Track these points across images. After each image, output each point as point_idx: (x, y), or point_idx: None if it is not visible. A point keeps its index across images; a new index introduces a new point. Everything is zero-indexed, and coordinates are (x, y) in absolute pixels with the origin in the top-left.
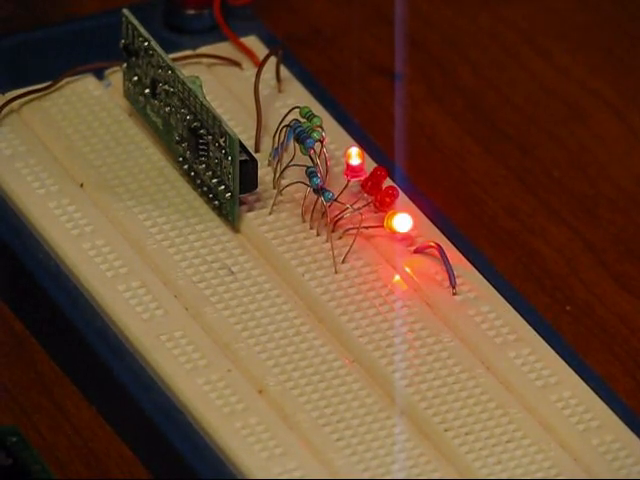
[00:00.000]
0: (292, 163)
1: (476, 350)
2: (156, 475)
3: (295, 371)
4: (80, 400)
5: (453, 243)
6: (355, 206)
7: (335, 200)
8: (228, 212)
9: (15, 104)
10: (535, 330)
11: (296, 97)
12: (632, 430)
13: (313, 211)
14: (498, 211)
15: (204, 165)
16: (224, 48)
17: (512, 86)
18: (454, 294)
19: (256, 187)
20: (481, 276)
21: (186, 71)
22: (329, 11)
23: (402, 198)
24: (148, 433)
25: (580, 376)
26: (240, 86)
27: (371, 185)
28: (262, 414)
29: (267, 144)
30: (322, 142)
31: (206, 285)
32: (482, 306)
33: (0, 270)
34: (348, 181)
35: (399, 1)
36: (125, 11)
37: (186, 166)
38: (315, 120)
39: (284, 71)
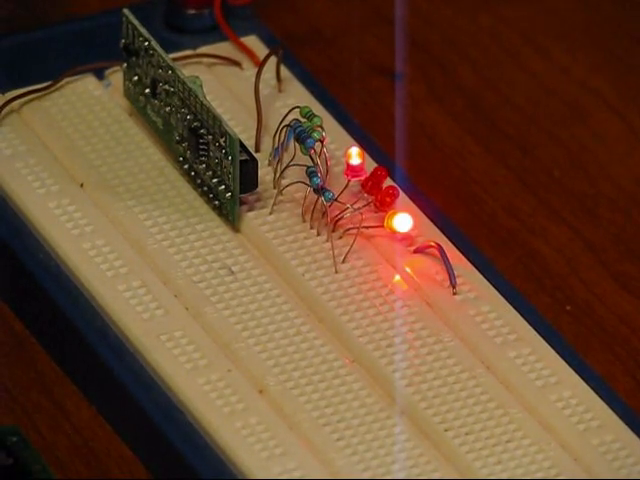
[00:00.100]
0: (292, 163)
1: (476, 350)
2: (156, 475)
3: (295, 371)
4: (80, 400)
5: (453, 243)
6: (355, 206)
7: (335, 200)
8: (228, 212)
9: (15, 104)
10: (535, 330)
11: (296, 97)
12: (632, 430)
13: (313, 211)
14: (498, 211)
15: (204, 165)
16: (224, 48)
17: (512, 86)
18: (454, 294)
19: (256, 187)
20: (481, 276)
21: (186, 71)
22: (329, 11)
23: (402, 198)
24: (148, 433)
25: (580, 376)
26: (240, 86)
27: (371, 185)
28: (262, 414)
29: (267, 144)
30: (322, 142)
31: (206, 285)
32: (482, 306)
33: (0, 270)
34: (348, 181)
35: (399, 1)
36: (125, 11)
37: (186, 166)
38: (315, 120)
39: (284, 71)
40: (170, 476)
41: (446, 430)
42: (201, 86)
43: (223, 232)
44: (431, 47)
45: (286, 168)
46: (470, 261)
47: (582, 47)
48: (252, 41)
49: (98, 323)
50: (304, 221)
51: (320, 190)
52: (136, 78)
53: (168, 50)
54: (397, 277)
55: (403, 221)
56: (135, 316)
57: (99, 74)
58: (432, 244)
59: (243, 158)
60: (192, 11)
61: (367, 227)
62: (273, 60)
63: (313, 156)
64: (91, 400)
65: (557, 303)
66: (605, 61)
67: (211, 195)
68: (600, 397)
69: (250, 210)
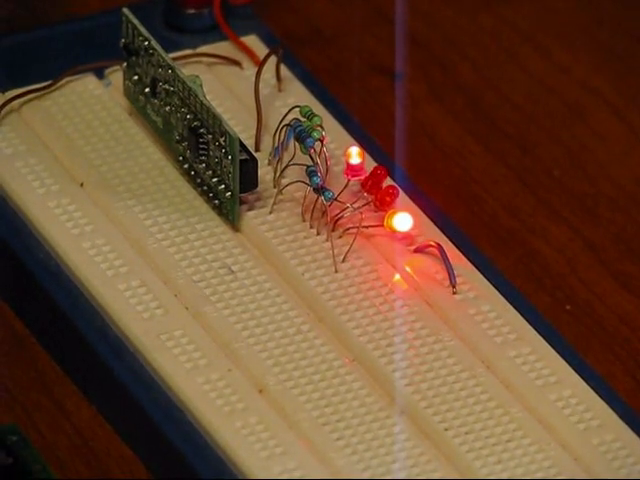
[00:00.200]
0: (292, 162)
1: (476, 349)
2: (156, 474)
3: (295, 370)
4: (80, 399)
5: (453, 242)
6: (355, 205)
7: (335, 199)
8: (228, 211)
9: (15, 103)
10: (535, 329)
11: (296, 96)
12: (632, 429)
13: (313, 210)
14: (498, 210)
15: (204, 164)
16: (224, 47)
17: (512, 85)
18: (454, 293)
19: (256, 186)
20: (481, 275)
21: (186, 70)
22: (329, 10)
23: (402, 197)
24: (148, 432)
25: (580, 375)
26: (240, 85)
27: (371, 184)
28: (262, 413)
29: (267, 143)
30: (322, 141)
31: (206, 284)
32: (482, 305)
33: (0, 269)
34: (348, 180)
35: (399, 0)
36: (125, 10)
37: (186, 165)
38: (315, 119)
39: (284, 70)
40: (170, 476)
41: (446, 429)
42: (201, 85)
43: (223, 231)
44: (431, 46)
45: (286, 167)
46: (470, 260)
47: (582, 47)
48: (252, 40)
49: (98, 322)
50: (304, 220)
51: (320, 189)
52: (136, 77)
53: (168, 49)
54: (397, 276)
55: (403, 220)
56: (135, 315)
57: (99, 73)
58: (432, 243)
59: (243, 157)
60: (192, 10)
61: (367, 226)
62: (273, 59)
63: (313, 155)
64: (91, 399)
65: (557, 303)
66: (605, 61)
67: (211, 194)
68: (600, 397)
69: (250, 209)
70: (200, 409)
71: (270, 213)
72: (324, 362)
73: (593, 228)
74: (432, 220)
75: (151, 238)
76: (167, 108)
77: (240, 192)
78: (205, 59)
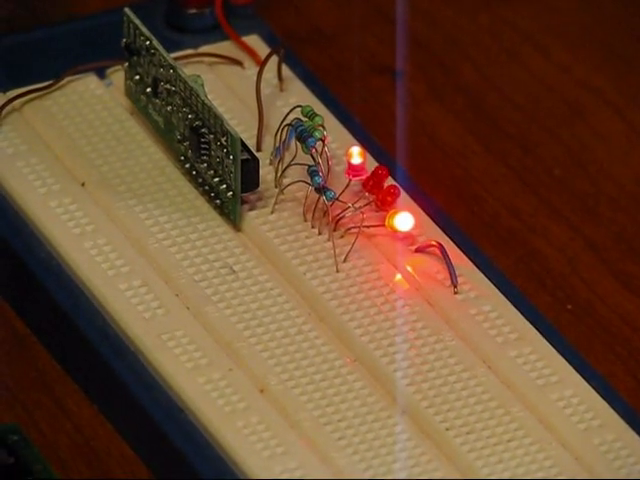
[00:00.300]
0: (294, 162)
1: (477, 349)
2: (157, 474)
3: (297, 370)
4: (81, 399)
5: (454, 242)
6: (356, 205)
7: (337, 199)
8: (230, 211)
9: (17, 103)
10: (536, 329)
11: (298, 96)
12: (633, 429)
13: (315, 210)
14: (499, 210)
15: (206, 164)
16: (226, 47)
17: (513, 85)
18: (455, 293)
19: (258, 186)
20: (482, 275)
21: (188, 70)
22: (330, 10)
23: (403, 197)
24: (149, 432)
25: (581, 375)
26: (242, 85)
27: (372, 184)
28: (263, 413)
29: (269, 143)
30: (324, 141)
31: (208, 284)
32: (483, 305)
33: (1, 269)
34: (349, 180)
35: (400, 0)
36: (127, 10)
37: (188, 165)
38: (317, 119)
39: (286, 70)
40: (171, 475)
41: (447, 429)
42: (202, 85)
43: (224, 231)
44: (432, 46)
45: (287, 167)
46: (471, 260)
47: (583, 46)
48: (253, 40)
49: (99, 322)
50: (305, 220)
51: (321, 189)
52: (137, 77)
53: (169, 49)
54: (398, 276)
55: (404, 220)
56: (136, 315)
57: (100, 73)
58: (433, 243)
59: (244, 157)
60: (193, 10)
61: (368, 226)
62: (274, 59)
63: (314, 155)
64: (92, 399)
65: (558, 302)
66: (606, 60)
67: (212, 194)
68: (601, 396)
69: (251, 209)
70: (201, 409)
71: (271, 213)
72: (325, 362)
73: (594, 228)
74: (433, 220)
75: (152, 238)
76: (168, 108)
77: (241, 192)
78: (206, 59)
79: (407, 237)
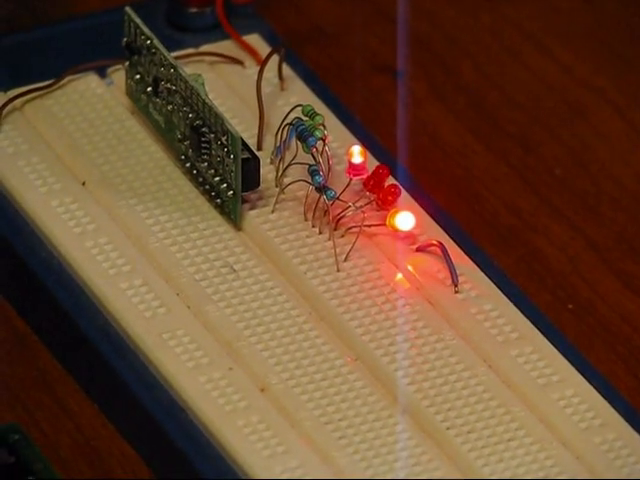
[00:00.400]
0: (294, 161)
1: (478, 348)
2: (158, 473)
3: (297, 369)
4: (82, 398)
5: (455, 241)
6: (357, 204)
7: (337, 198)
8: (230, 210)
9: (17, 102)
10: (537, 328)
11: (298, 95)
12: (634, 428)
13: (315, 209)
14: (500, 209)
15: (206, 163)
16: (226, 46)
17: (514, 84)
18: (456, 292)
19: (258, 185)
20: (483, 274)
21: (188, 69)
22: (331, 9)
23: (404, 196)
24: (150, 431)
25: (582, 374)
26: (242, 84)
27: (373, 183)
28: (264, 412)
29: (269, 142)
30: (324, 140)
31: (208, 283)
32: (484, 304)
33: (2, 268)
34: (350, 179)
35: None
36: (127, 9)
37: (188, 164)
38: (317, 118)
39: (286, 69)
40: (172, 474)
41: (448, 428)
42: (203, 84)
43: (225, 230)
44: (433, 45)
45: (288, 166)
46: (472, 259)
47: (584, 46)
48: (254, 39)
49: (100, 321)
50: (306, 219)
51: (322, 188)
52: (138, 76)
53: (170, 48)
54: (399, 275)
55: (405, 219)
56: (137, 314)
57: (101, 72)
58: (434, 242)
59: (245, 156)
60: (194, 9)
61: (369, 225)
62: (275, 58)
63: (315, 154)
64: (93, 398)
65: (559, 301)
66: (607, 60)
67: (213, 193)
68: (602, 396)
69: (252, 208)
70: (202, 408)
71: (272, 212)
72: (326, 361)
73: (595, 227)
74: (434, 219)
75: (153, 237)
76: (169, 107)
77: (242, 191)
78: (207, 58)
79: (408, 236)
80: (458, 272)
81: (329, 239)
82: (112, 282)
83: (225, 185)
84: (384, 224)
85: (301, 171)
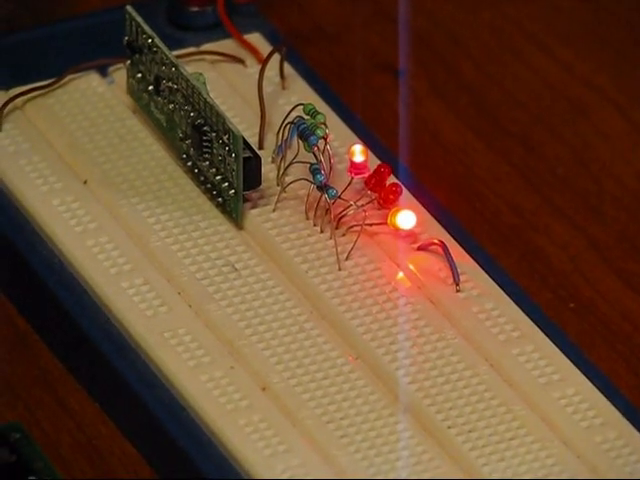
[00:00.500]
0: (296, 160)
1: (479, 347)
2: (159, 472)
3: (298, 368)
4: (83, 397)
5: (457, 240)
6: (359, 203)
7: (339, 197)
8: (232, 209)
9: (19, 101)
10: (538, 327)
11: (300, 94)
12: (635, 427)
13: (317, 208)
14: (501, 208)
15: (208, 162)
16: (228, 45)
17: (515, 83)
18: (457, 291)
19: (260, 184)
20: (484, 273)
21: (190, 68)
22: (332, 8)
23: (406, 195)
24: (151, 430)
25: (583, 373)
26: (244, 83)
27: (375, 182)
28: (265, 411)
29: (271, 141)
30: (326, 139)
31: (210, 282)
32: (485, 303)
33: (3, 267)
34: (352, 178)
35: None
36: (129, 8)
37: (190, 163)
38: (319, 117)
39: (288, 68)
40: (173, 473)
41: (449, 427)
42: (204, 83)
43: (226, 229)
44: (434, 44)
45: (289, 165)
46: (473, 258)
47: (585, 44)
48: (255, 38)
49: (101, 320)
50: (307, 218)
51: (323, 187)
52: (139, 75)
53: (171, 47)
54: (400, 274)
55: (406, 218)
56: (138, 313)
57: (102, 71)
58: (435, 241)
59: (246, 155)
60: (195, 8)
61: (370, 224)
62: (276, 57)
63: (316, 153)
64: (94, 397)
65: (560, 300)
66: (608, 58)
67: (214, 192)
68: (603, 394)
69: (253, 207)
70: (203, 407)
71: (273, 211)
72: (327, 360)
73: (596, 226)
74: (435, 218)
75: (154, 236)
76: (170, 106)
77: (244, 190)
78: (209, 57)
79: (409, 235)
80: (459, 271)
81: (330, 238)
82: (113, 281)
83: (226, 184)
84: (385, 223)
85: (302, 170)
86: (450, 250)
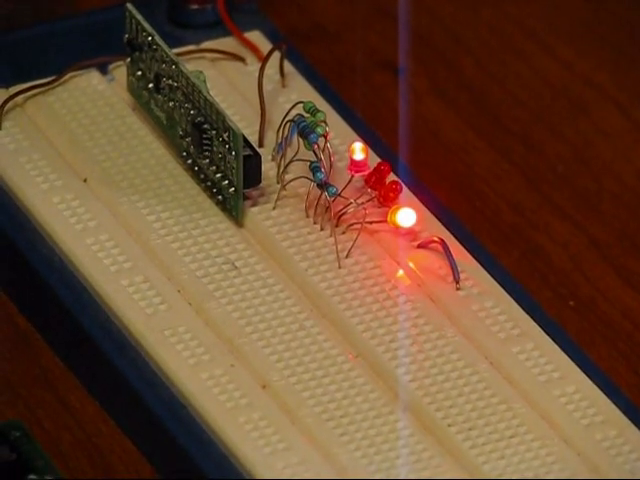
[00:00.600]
0: (296, 158)
1: (480, 345)
2: (159, 470)
3: (299, 366)
4: (84, 395)
5: (457, 238)
6: (359, 201)
7: (339, 195)
8: (232, 207)
9: (19, 99)
10: (539, 325)
11: (300, 92)
12: (635, 425)
13: (317, 206)
14: (502, 206)
15: (208, 160)
16: (228, 43)
17: (516, 81)
18: (458, 289)
19: (260, 182)
20: (485, 271)
21: (190, 66)
22: (333, 6)
23: (406, 193)
24: (151, 428)
25: (583, 371)
26: (244, 81)
27: (375, 180)
28: (265, 409)
29: (271, 139)
30: (326, 137)
31: (210, 280)
32: (486, 301)
33: (3, 265)
34: (352, 176)
35: None
36: (129, 6)
37: (190, 161)
38: (319, 115)
39: (288, 66)
40: (173, 471)
41: (449, 425)
42: (204, 81)
43: (226, 227)
44: (434, 42)
45: (289, 163)
46: (473, 256)
47: (586, 42)
48: (256, 36)
49: (101, 318)
50: (307, 216)
51: (323, 185)
52: (139, 73)
53: (171, 45)
54: (400, 272)
55: (406, 216)
56: (138, 311)
57: (103, 69)
58: (435, 239)
59: (246, 153)
60: (195, 6)
61: (370, 222)
62: (277, 55)
63: (316, 151)
64: (95, 395)
65: (560, 298)
66: (609, 57)
67: (214, 190)
68: (603, 392)
69: (254, 205)
70: (203, 405)
71: (274, 209)
72: (327, 358)
73: (597, 224)
74: (435, 216)
75: (154, 234)
76: (171, 104)
77: (244, 188)
78: (209, 55)
79: (409, 233)
80: (459, 269)
81: (330, 236)
82: (113, 279)
83: (226, 182)
84: (385, 221)
85: (302, 168)
86: (450, 248)
